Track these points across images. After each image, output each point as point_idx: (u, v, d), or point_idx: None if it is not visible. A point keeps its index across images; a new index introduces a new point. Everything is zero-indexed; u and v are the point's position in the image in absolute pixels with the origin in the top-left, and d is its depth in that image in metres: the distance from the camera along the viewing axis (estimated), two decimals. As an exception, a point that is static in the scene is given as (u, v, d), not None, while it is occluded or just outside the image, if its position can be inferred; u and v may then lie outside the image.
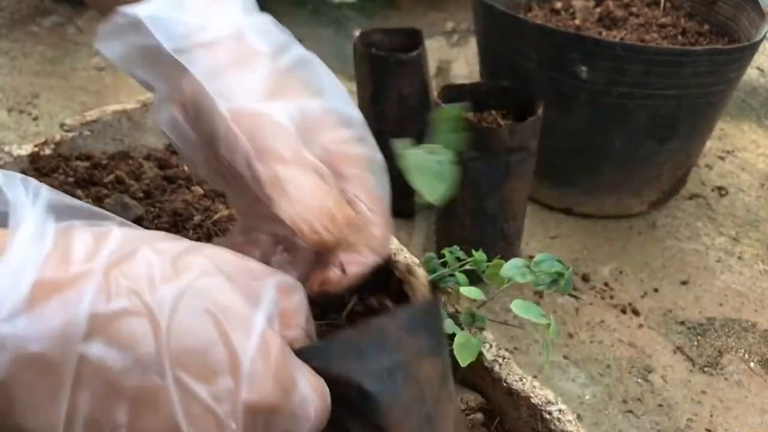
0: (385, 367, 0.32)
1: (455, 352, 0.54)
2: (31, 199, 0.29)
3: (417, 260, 0.68)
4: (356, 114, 0.40)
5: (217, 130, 0.36)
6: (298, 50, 0.42)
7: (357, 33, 1.11)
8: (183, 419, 0.26)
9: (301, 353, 0.31)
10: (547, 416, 0.55)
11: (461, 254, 0.62)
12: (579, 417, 0.80)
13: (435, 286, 0.37)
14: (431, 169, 0.39)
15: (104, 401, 0.26)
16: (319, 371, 0.31)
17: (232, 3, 0.41)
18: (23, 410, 0.25)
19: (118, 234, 0.29)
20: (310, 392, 0.29)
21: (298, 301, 0.32)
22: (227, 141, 0.36)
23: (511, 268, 0.55)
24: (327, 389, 0.30)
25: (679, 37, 1.12)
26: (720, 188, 1.21)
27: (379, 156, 0.40)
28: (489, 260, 0.59)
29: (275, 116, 0.37)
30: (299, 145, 0.37)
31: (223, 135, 0.36)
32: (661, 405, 0.84)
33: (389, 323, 0.33)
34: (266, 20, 0.42)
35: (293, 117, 0.37)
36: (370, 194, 0.38)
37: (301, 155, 0.36)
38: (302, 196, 0.35)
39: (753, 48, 1.01)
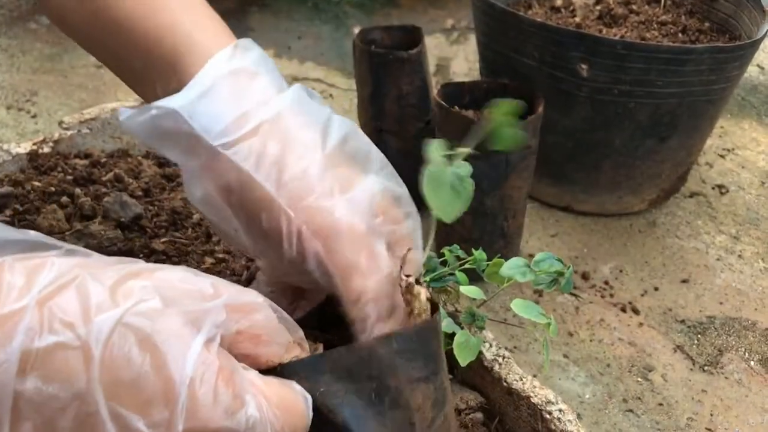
0: (373, 390, 0.32)
1: (455, 352, 0.54)
2: None
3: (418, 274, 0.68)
4: (403, 188, 0.41)
5: (278, 226, 0.37)
6: (338, 121, 0.41)
7: (357, 30, 1.10)
8: None
9: (286, 368, 0.31)
10: (548, 416, 0.55)
11: (461, 253, 0.62)
12: (579, 416, 0.80)
13: (435, 306, 0.36)
14: (449, 184, 0.38)
15: None
16: (306, 387, 0.30)
17: (260, 81, 0.41)
18: None
19: (57, 265, 0.28)
20: (266, 411, 0.29)
21: (263, 318, 0.31)
22: (292, 239, 0.37)
23: (511, 267, 0.55)
24: (298, 402, 0.30)
25: (680, 35, 1.12)
26: (720, 186, 1.21)
27: (419, 219, 0.41)
28: (489, 259, 0.58)
29: (344, 216, 0.37)
30: (372, 246, 0.37)
31: (287, 233, 0.37)
32: (661, 404, 0.83)
33: (382, 347, 0.32)
34: (300, 92, 0.41)
35: (359, 209, 0.38)
36: (417, 272, 0.39)
37: (376, 264, 0.37)
38: (379, 310, 0.36)
39: (754, 46, 1.01)
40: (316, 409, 0.31)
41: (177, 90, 0.39)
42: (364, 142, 0.41)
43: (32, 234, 0.31)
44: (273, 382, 0.30)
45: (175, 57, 0.41)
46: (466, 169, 0.38)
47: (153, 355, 0.27)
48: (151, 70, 0.42)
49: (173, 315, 0.28)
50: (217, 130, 0.38)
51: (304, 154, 0.38)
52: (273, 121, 0.39)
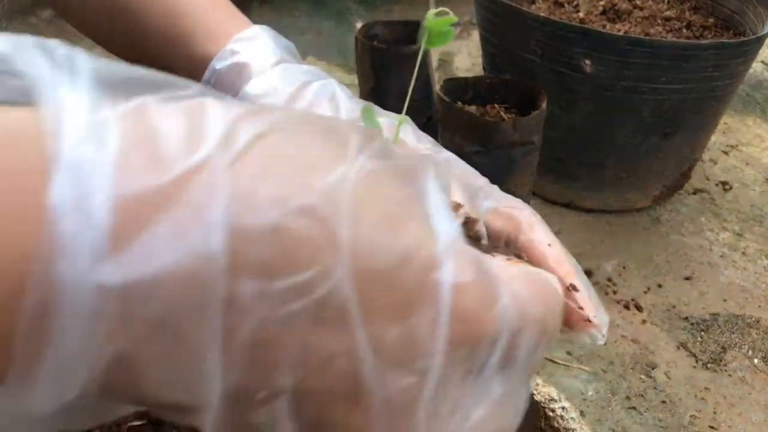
0: None
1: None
2: (67, 74, 0.17)
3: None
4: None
5: None
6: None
7: (359, 25, 1.10)
8: (371, 376, 0.18)
9: None
10: (551, 413, 0.54)
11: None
12: (582, 413, 0.80)
13: None
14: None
15: (261, 364, 0.18)
16: None
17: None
18: (155, 385, 0.17)
19: (218, 108, 0.19)
20: (522, 301, 0.22)
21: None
22: None
23: (514, 264, 0.55)
24: (550, 285, 0.24)
25: (684, 31, 1.11)
26: (724, 183, 1.21)
27: None
28: (492, 256, 0.58)
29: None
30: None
31: None
32: (664, 401, 0.83)
33: None
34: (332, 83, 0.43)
35: None
36: None
37: None
38: None
39: (759, 42, 1.00)
40: None
41: (189, 67, 0.40)
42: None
43: (144, 70, 0.20)
44: (514, 264, 0.25)
45: (193, 37, 0.42)
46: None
47: (403, 235, 0.19)
48: (168, 48, 0.43)
49: (397, 177, 0.20)
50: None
51: None
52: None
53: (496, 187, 0.38)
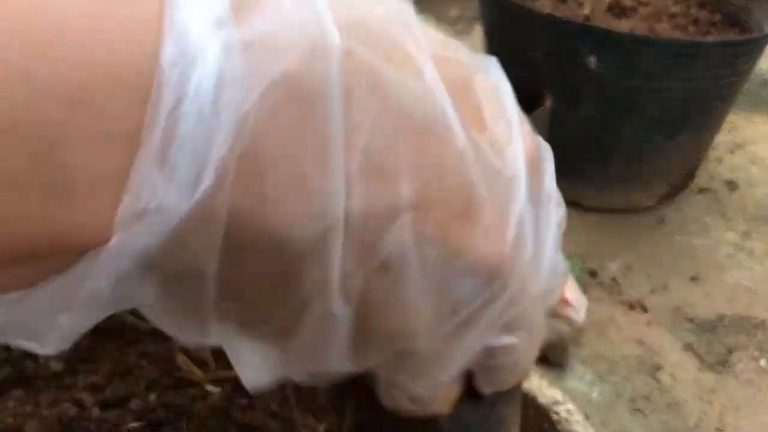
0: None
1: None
2: None
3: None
4: None
5: None
6: None
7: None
8: (479, 182, 0.18)
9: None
10: (555, 416, 0.54)
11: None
12: (586, 416, 0.79)
13: None
14: None
15: (379, 172, 0.16)
16: None
17: None
18: (278, 198, 0.15)
19: None
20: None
21: None
22: None
23: (519, 264, 0.54)
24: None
25: (690, 27, 1.10)
26: (730, 182, 1.20)
27: None
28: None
29: None
30: None
31: None
32: (669, 404, 0.82)
33: (506, 404, 0.29)
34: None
35: None
36: None
37: None
38: None
39: (766, 39, 1.00)
40: None
41: None
42: None
43: None
44: None
45: None
46: None
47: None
48: None
49: None
50: None
51: None
52: None
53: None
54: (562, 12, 1.12)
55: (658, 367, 0.87)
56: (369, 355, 0.19)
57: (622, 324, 0.92)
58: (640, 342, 0.90)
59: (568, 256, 0.54)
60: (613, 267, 1.01)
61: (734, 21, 1.13)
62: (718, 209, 1.14)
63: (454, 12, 1.72)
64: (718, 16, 1.14)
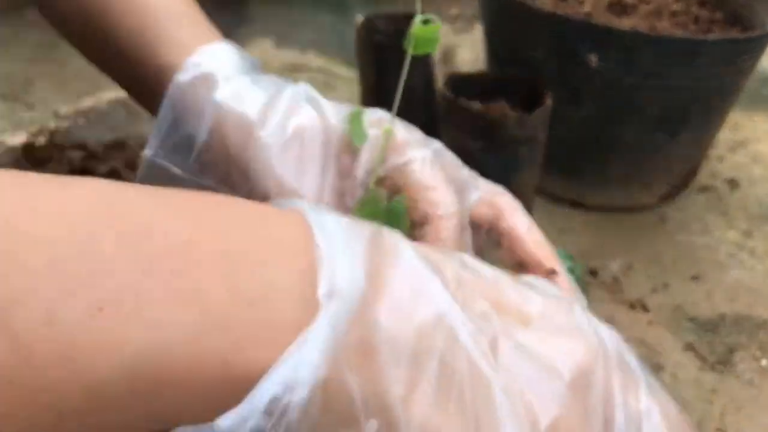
0: None
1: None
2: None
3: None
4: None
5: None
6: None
7: (360, 19, 1.08)
8: None
9: None
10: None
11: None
12: (587, 417, 0.78)
13: None
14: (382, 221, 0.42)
15: None
16: None
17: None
18: None
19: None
20: None
21: None
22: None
23: (521, 266, 0.53)
24: None
25: (691, 25, 1.09)
26: (731, 181, 1.19)
27: None
28: (497, 257, 0.57)
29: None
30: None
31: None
32: (671, 404, 0.82)
33: None
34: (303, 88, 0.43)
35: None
36: None
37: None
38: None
39: (769, 37, 0.99)
40: None
41: (157, 77, 0.40)
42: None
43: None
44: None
45: (158, 49, 0.41)
46: (401, 206, 0.38)
47: None
48: (137, 57, 0.42)
49: None
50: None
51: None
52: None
53: (477, 175, 0.42)
54: (562, 10, 1.12)
55: (659, 367, 0.86)
56: None
57: (623, 323, 0.92)
58: (641, 341, 0.89)
59: (569, 256, 0.54)
60: (614, 266, 1.01)
61: (736, 19, 1.12)
62: (720, 208, 1.14)
63: (454, 10, 1.72)
64: (719, 14, 1.13)
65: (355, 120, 0.37)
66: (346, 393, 0.19)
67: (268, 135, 0.37)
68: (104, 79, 0.47)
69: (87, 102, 0.77)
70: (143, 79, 0.42)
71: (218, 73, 0.40)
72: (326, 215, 0.22)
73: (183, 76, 0.40)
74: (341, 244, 0.21)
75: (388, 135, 0.38)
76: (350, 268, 0.20)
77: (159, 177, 0.40)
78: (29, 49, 1.45)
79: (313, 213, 0.22)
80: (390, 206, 0.36)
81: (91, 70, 0.47)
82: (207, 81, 0.40)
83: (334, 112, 0.40)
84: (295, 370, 0.18)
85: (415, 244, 0.24)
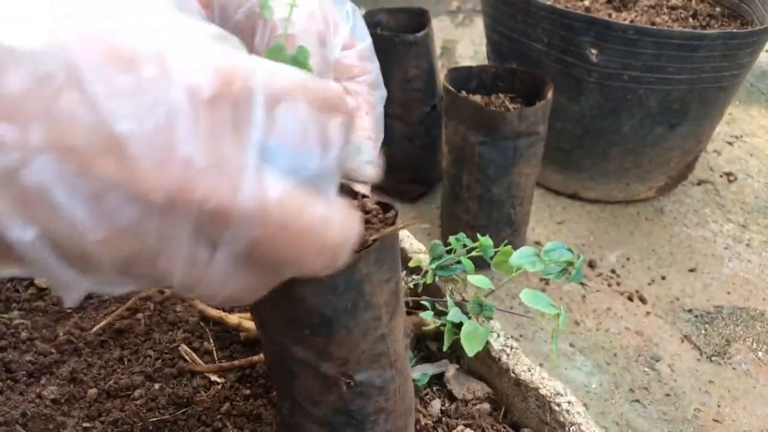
0: (350, 300, 0.36)
1: (462, 342, 0.53)
2: None
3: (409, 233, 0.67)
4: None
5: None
6: None
7: (362, 12, 1.08)
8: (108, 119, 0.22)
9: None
10: (556, 408, 0.54)
11: (467, 241, 0.60)
12: (585, 406, 0.79)
13: (387, 206, 0.38)
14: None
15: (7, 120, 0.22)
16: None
17: None
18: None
19: None
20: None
21: None
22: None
23: (520, 256, 0.54)
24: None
25: (690, 20, 1.10)
26: (728, 174, 1.20)
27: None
28: (495, 246, 0.57)
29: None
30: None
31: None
32: (668, 394, 0.82)
33: (362, 260, 0.36)
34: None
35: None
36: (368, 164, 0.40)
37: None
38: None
39: (767, 32, 0.99)
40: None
41: None
42: None
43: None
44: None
45: None
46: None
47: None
48: None
49: None
50: None
51: None
52: None
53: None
54: (562, 4, 1.12)
55: (656, 358, 0.87)
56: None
57: (621, 315, 0.92)
58: (638, 333, 0.90)
59: (568, 248, 0.54)
60: (612, 258, 1.02)
61: (734, 14, 1.12)
62: (717, 201, 1.14)
63: (455, 4, 1.72)
64: (718, 9, 1.13)
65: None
66: None
67: None
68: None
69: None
70: None
71: None
72: None
73: None
74: None
75: (292, 6, 0.41)
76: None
77: None
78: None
79: None
80: (294, 55, 0.40)
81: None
82: None
83: None
84: None
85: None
